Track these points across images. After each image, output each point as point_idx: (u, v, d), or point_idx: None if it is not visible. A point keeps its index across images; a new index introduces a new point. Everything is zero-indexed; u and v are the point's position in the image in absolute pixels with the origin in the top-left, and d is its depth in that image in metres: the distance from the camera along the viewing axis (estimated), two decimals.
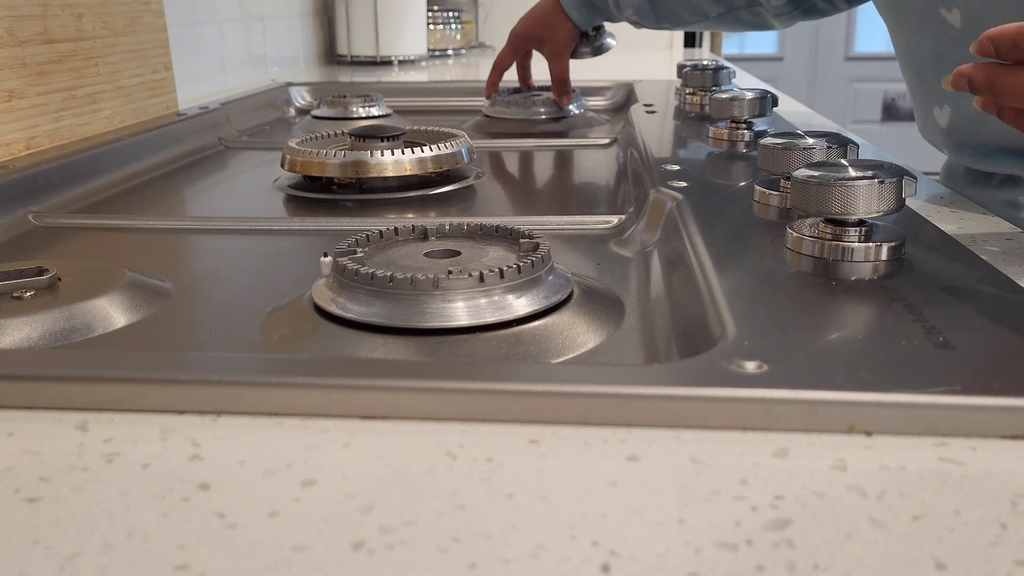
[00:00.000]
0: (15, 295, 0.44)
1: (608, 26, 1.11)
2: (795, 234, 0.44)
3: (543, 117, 1.06)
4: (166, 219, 0.66)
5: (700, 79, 0.99)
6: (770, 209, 0.53)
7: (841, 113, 3.52)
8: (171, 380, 0.31)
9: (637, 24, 1.03)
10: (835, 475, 0.27)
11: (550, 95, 1.08)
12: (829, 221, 0.43)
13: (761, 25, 0.98)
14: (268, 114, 1.22)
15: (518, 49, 1.09)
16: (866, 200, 0.42)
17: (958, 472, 0.27)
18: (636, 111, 0.96)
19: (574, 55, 1.08)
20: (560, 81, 1.05)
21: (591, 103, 1.23)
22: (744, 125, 0.75)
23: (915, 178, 0.43)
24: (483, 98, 1.13)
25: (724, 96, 0.75)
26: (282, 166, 0.73)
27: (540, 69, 1.11)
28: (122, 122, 0.91)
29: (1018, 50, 0.40)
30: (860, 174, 0.42)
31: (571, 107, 1.08)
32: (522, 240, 0.46)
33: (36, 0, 0.77)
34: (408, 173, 0.71)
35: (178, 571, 0.23)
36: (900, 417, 0.29)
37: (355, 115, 1.10)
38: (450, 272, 0.40)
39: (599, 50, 1.10)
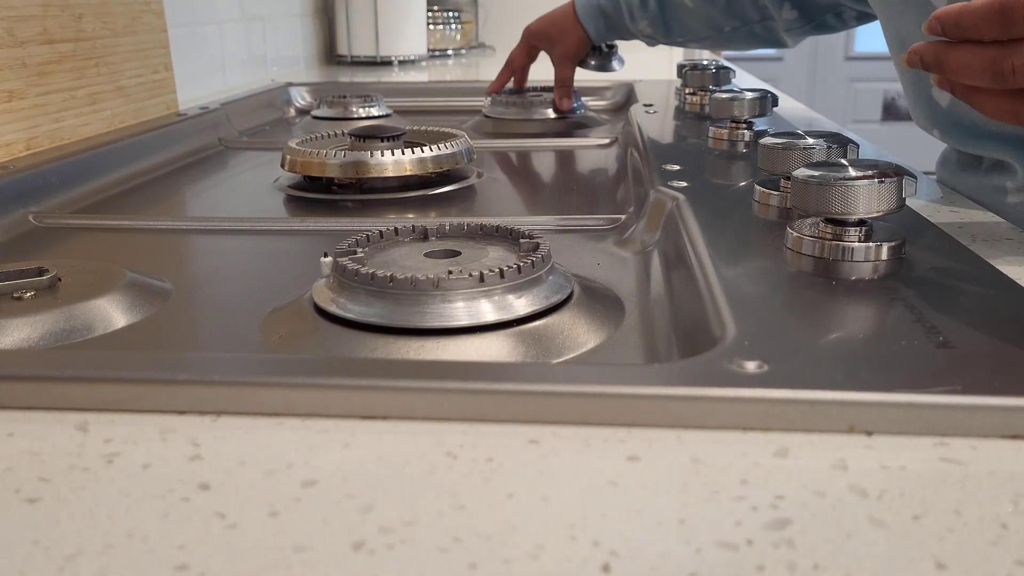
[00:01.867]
0: (15, 295, 0.44)
1: (621, 48, 1.12)
2: (795, 234, 0.44)
3: (543, 118, 1.06)
4: (166, 219, 0.66)
5: (700, 79, 0.99)
6: (770, 209, 0.53)
7: (841, 113, 3.52)
8: (171, 380, 0.31)
9: (651, 40, 1.04)
10: (835, 475, 0.27)
11: (551, 95, 1.08)
12: (829, 221, 0.43)
13: (773, 41, 0.99)
14: (268, 114, 1.22)
15: (530, 47, 1.10)
16: (866, 200, 0.42)
17: (958, 472, 0.27)
18: (636, 111, 0.96)
19: (581, 64, 1.09)
20: (563, 85, 1.06)
21: (591, 103, 1.23)
22: (744, 125, 0.75)
23: (915, 178, 0.43)
24: (483, 97, 1.13)
25: (724, 96, 0.75)
26: (282, 166, 0.73)
27: (546, 70, 1.11)
28: (122, 122, 0.91)
29: (960, 29, 0.41)
30: (860, 174, 0.42)
31: (578, 105, 1.09)
32: (522, 240, 0.46)
33: (36, 0, 0.77)
34: (408, 173, 0.71)
35: (178, 571, 0.23)
36: (900, 417, 0.29)
37: (355, 115, 1.10)
38: (450, 272, 0.40)
39: (604, 68, 1.11)
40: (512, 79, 1.13)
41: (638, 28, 1.02)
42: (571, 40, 1.06)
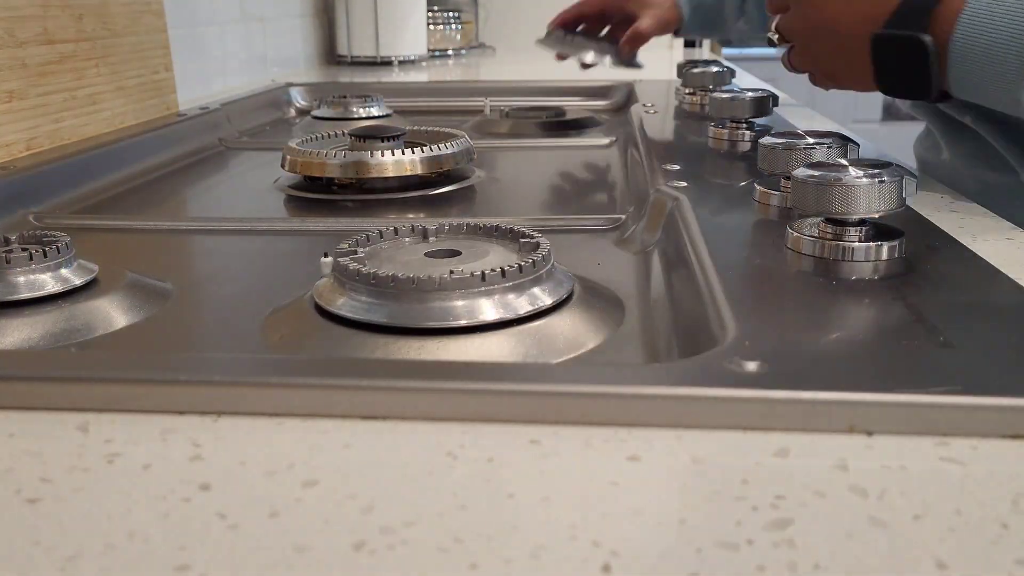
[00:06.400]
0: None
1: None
2: (795, 234, 0.44)
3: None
4: (166, 220, 0.66)
5: (700, 79, 0.99)
6: (770, 209, 0.53)
7: (841, 113, 3.51)
8: (172, 381, 0.31)
9: (742, 39, 1.08)
10: (836, 475, 0.27)
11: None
12: (829, 221, 0.43)
13: None
14: (268, 115, 1.22)
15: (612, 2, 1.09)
16: (866, 200, 0.42)
17: (959, 472, 0.27)
18: (636, 111, 0.96)
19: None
20: (637, 36, 1.07)
21: (591, 103, 1.23)
22: (744, 125, 0.75)
23: (915, 178, 0.43)
24: (483, 98, 1.12)
25: (724, 96, 0.75)
26: (282, 167, 0.73)
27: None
28: (122, 123, 0.91)
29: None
30: (860, 174, 0.42)
31: (636, 62, 1.11)
32: (522, 240, 0.46)
33: (36, 1, 0.77)
34: (408, 173, 0.71)
35: (179, 572, 0.23)
36: (901, 417, 0.29)
37: (355, 115, 1.10)
38: (452, 272, 0.40)
39: (631, 63, 1.13)
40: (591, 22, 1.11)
41: (735, 26, 1.04)
42: (664, 8, 1.08)
